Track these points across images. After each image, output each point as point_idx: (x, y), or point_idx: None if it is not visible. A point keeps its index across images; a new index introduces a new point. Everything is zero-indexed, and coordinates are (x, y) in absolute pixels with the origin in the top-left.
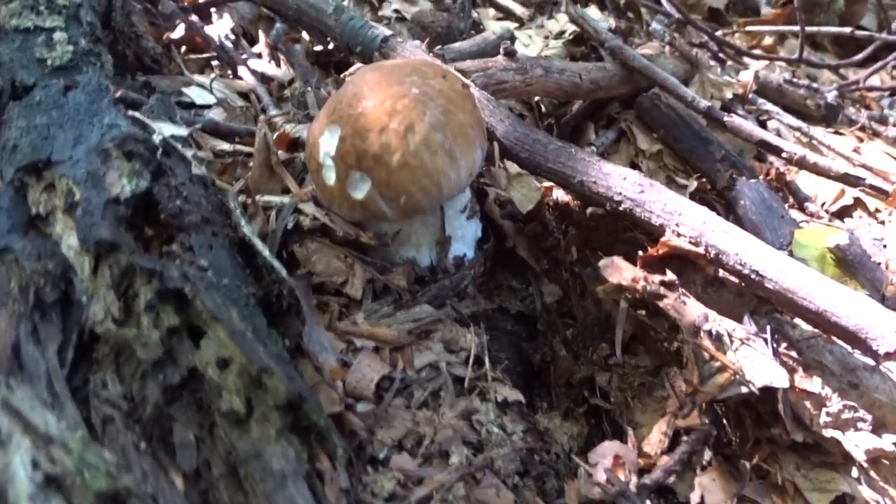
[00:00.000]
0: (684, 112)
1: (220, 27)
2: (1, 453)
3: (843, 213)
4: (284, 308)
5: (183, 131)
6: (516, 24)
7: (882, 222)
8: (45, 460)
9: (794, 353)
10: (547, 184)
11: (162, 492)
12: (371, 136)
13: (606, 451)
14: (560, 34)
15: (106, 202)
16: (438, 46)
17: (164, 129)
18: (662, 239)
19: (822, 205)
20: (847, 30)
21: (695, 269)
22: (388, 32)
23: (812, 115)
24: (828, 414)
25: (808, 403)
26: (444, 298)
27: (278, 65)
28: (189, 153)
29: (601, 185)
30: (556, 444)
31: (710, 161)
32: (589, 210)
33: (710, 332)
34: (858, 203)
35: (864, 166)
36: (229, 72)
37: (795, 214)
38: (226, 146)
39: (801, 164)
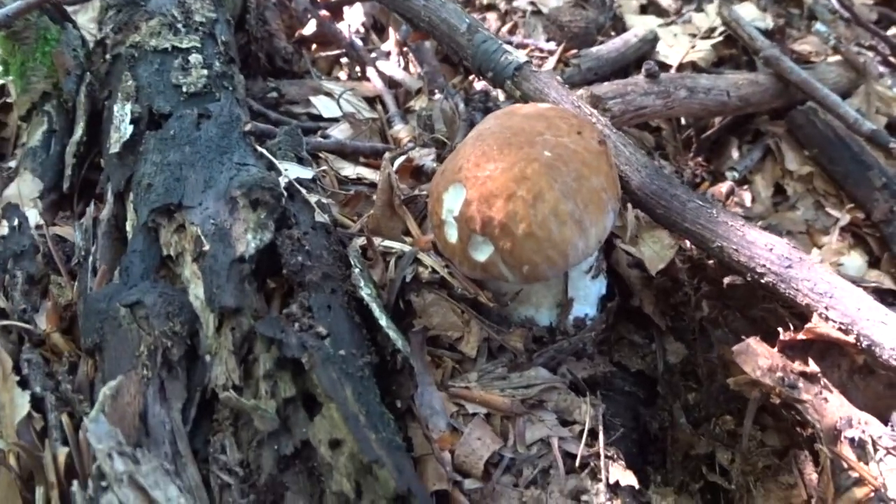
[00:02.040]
0: (843, 130)
1: (352, 18)
2: None
3: None
4: (398, 368)
5: (308, 173)
6: (661, 21)
7: None
8: None
9: None
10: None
11: None
12: (497, 203)
13: None
14: (709, 32)
15: (231, 262)
16: (574, 51)
17: (291, 172)
18: (808, 325)
19: None
20: None
21: (841, 354)
22: (522, 59)
23: None
24: None
25: None
26: (561, 361)
27: (406, 66)
28: (313, 199)
29: (743, 254)
30: None
31: (868, 189)
32: (727, 280)
33: (852, 440)
34: None
35: None
36: (357, 69)
37: None
38: (349, 170)
39: None
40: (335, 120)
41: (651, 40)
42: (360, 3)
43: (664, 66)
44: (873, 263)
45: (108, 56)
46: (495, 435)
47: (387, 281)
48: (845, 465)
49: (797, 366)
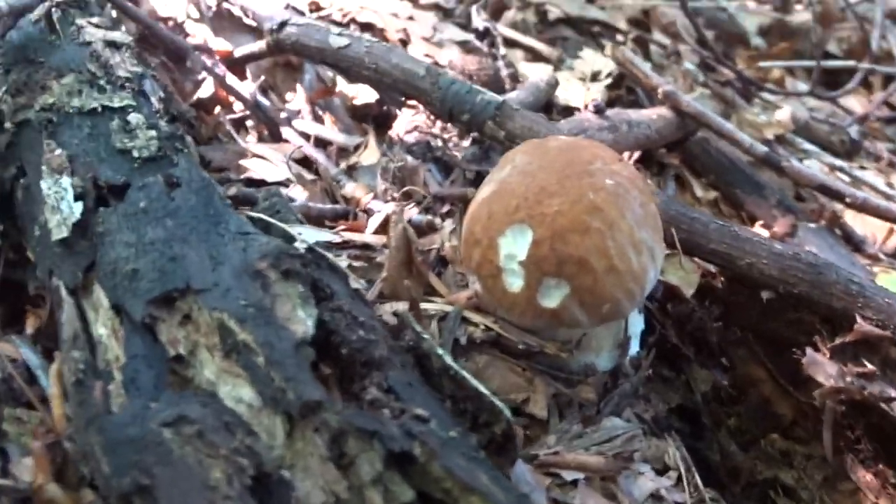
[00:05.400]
0: (735, 156)
1: (245, 83)
2: None
3: None
4: (497, 445)
5: (326, 235)
6: (550, 66)
7: None
8: None
9: None
10: None
11: None
12: (574, 239)
13: None
14: (595, 76)
15: (296, 346)
16: None
17: (306, 235)
18: (856, 326)
19: (875, 244)
20: (852, 63)
21: (872, 350)
22: (499, 99)
23: (836, 151)
24: None
25: None
26: (625, 406)
27: (323, 123)
28: (344, 264)
29: (773, 268)
30: None
31: (766, 207)
32: (765, 295)
33: None
34: None
35: None
36: (266, 132)
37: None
38: (328, 235)
39: (863, 207)
40: (282, 184)
41: (553, 85)
42: (259, 62)
43: (569, 110)
44: None
45: (7, 125)
46: (604, 499)
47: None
48: None
49: (852, 368)
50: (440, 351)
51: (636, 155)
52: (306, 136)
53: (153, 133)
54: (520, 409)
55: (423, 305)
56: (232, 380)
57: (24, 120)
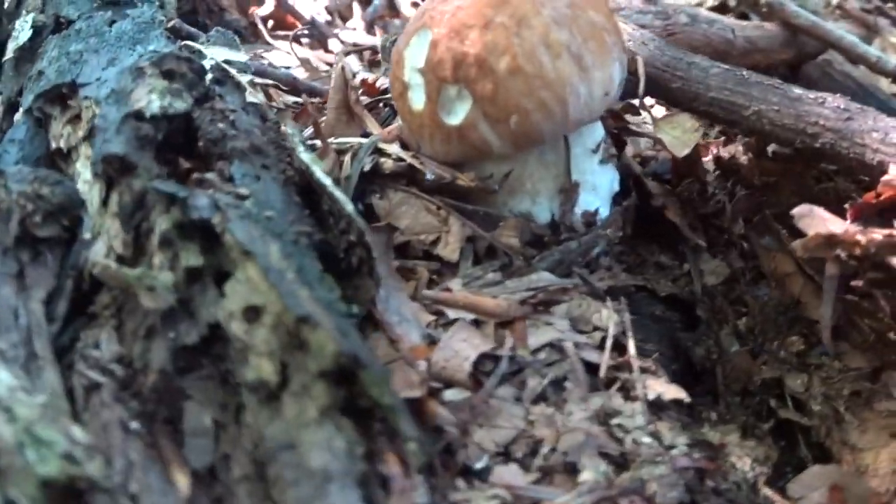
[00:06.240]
0: (866, 80)
1: (313, 6)
2: None
3: None
4: (354, 265)
5: (242, 56)
6: None
7: None
8: None
9: None
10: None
11: (150, 491)
12: (472, 35)
13: (816, 480)
14: (699, 3)
15: (124, 116)
16: None
17: (218, 54)
18: (886, 178)
19: None
20: None
21: None
22: None
23: None
24: None
25: None
26: (570, 266)
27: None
28: (245, 79)
29: (787, 115)
30: (734, 470)
31: None
32: (771, 149)
33: None
34: None
35: None
36: (320, 49)
37: None
38: (300, 100)
39: None
40: (288, 68)
41: None
42: None
43: None
44: None
45: None
46: (486, 337)
47: (341, 178)
48: None
49: (879, 233)
50: (301, 151)
51: None
52: (346, 45)
53: None
54: (429, 252)
55: (343, 139)
56: (86, 163)
57: None
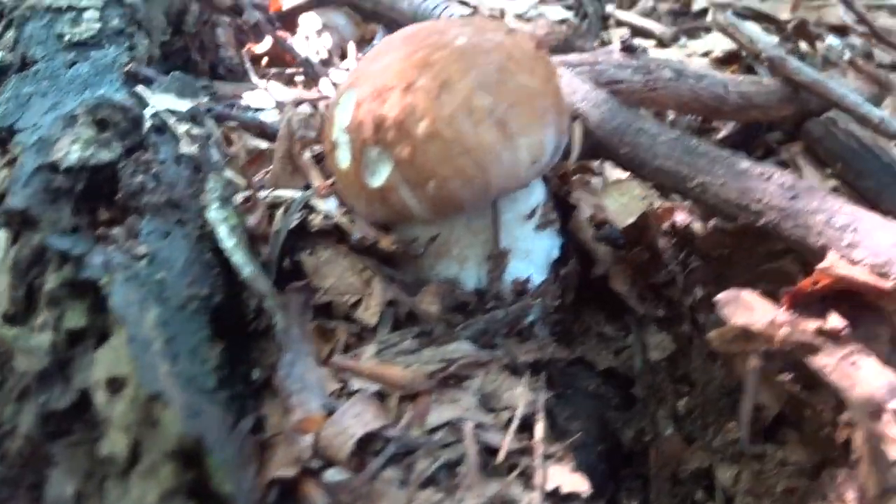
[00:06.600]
0: (870, 141)
1: (316, 45)
2: None
3: None
4: (260, 328)
5: (184, 105)
6: (654, 42)
7: None
8: None
9: None
10: (665, 203)
11: None
12: (392, 97)
13: None
14: (706, 53)
15: (37, 168)
16: None
17: (160, 103)
18: (822, 265)
19: None
20: None
21: (877, 319)
22: (467, 11)
23: None
24: None
25: None
26: (495, 336)
27: None
28: (182, 128)
29: (732, 189)
30: None
31: None
32: (711, 224)
33: None
34: None
35: None
36: (315, 89)
37: None
38: (264, 145)
39: None
40: (263, 110)
41: (642, 52)
42: (326, 29)
43: None
44: None
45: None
46: (381, 412)
47: (270, 234)
48: (894, 454)
49: (812, 323)
50: (214, 208)
51: (727, 130)
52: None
53: (98, 25)
54: (350, 316)
55: (279, 193)
56: None
57: (10, 20)
